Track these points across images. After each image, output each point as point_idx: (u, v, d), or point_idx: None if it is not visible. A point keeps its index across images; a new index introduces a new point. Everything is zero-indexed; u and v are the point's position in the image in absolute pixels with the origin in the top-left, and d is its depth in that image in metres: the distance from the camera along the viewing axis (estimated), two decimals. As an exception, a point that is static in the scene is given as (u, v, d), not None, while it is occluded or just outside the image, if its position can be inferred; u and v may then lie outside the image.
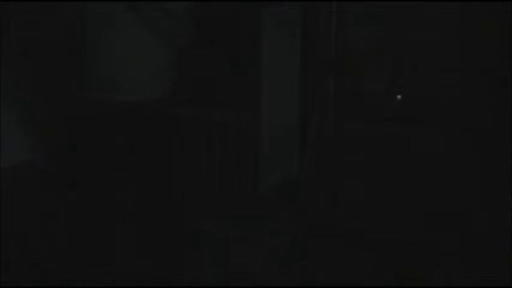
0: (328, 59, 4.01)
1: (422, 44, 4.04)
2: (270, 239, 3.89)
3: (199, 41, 3.33)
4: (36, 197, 3.40)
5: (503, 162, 3.81)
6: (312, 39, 4.23)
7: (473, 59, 3.93)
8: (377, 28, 4.13)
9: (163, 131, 3.28)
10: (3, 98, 3.27)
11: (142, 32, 3.11)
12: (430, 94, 4.07)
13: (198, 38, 3.27)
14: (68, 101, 3.29)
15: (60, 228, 3.41)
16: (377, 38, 4.15)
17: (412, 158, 3.98)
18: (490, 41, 3.87)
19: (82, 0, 3.11)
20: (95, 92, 3.19)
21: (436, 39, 4.00)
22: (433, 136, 4.00)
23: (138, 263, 3.39)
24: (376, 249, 3.76)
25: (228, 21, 4.30)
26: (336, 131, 4.08)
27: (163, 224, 3.33)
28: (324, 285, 3.49)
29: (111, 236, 3.34)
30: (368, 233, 3.89)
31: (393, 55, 4.12)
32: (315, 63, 4.17)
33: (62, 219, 3.37)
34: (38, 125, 3.41)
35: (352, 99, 4.20)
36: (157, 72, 3.20)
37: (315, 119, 3.95)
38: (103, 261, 3.33)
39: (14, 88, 3.38)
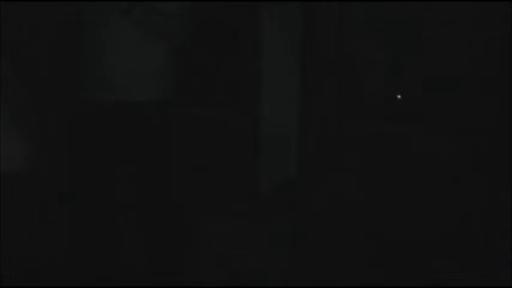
0: (328, 59, 4.02)
1: (422, 44, 4.04)
2: (270, 239, 3.89)
3: (199, 40, 3.33)
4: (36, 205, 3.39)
5: (503, 162, 3.81)
6: (312, 39, 4.23)
7: (473, 59, 3.93)
8: (377, 28, 4.13)
9: (163, 131, 3.27)
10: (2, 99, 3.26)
11: (141, 32, 3.11)
12: (430, 94, 4.07)
13: (198, 38, 3.27)
14: (67, 101, 3.29)
15: (61, 232, 3.41)
16: (377, 38, 4.15)
17: (412, 158, 3.99)
18: (490, 42, 3.87)
19: (81, 0, 3.11)
20: (93, 92, 3.19)
21: (436, 38, 4.01)
22: (433, 136, 4.00)
23: (138, 263, 3.39)
24: (376, 249, 3.76)
25: (228, 21, 4.31)
26: (336, 131, 4.08)
27: (163, 224, 3.33)
28: (323, 285, 3.50)
29: (112, 237, 3.34)
30: (368, 232, 3.89)
31: (393, 55, 4.13)
32: (315, 64, 4.18)
33: (63, 224, 3.37)
34: (37, 130, 3.38)
35: (353, 99, 4.20)
36: (156, 72, 3.20)
37: (315, 119, 3.96)
38: (103, 261, 3.33)
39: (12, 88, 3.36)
